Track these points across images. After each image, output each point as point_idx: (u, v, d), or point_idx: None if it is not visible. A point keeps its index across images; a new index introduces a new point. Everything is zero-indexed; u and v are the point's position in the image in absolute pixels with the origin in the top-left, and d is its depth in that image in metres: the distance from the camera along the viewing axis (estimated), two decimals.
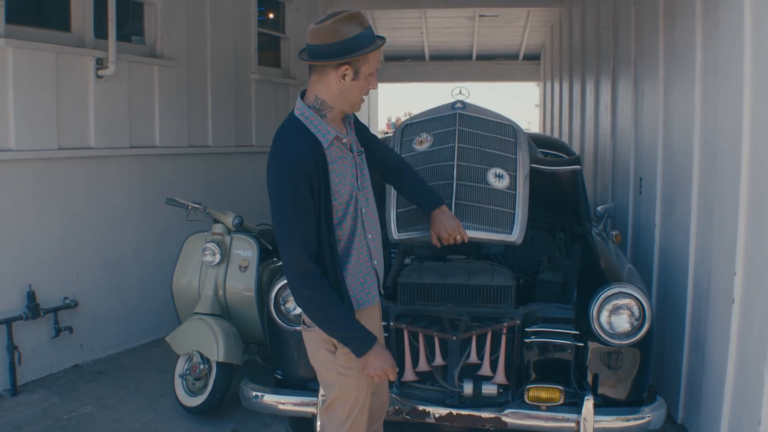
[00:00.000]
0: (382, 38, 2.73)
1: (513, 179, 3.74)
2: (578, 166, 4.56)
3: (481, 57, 16.59)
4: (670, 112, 4.90)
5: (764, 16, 3.34)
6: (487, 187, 3.67)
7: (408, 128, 4.13)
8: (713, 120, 4.01)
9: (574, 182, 4.71)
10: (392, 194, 3.72)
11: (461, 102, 4.08)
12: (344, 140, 2.77)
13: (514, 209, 3.64)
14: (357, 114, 3.03)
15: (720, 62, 3.90)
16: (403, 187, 3.34)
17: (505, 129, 4.02)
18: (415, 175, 3.30)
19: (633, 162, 6.06)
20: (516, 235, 3.60)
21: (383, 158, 3.19)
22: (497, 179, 3.68)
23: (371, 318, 2.92)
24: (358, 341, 2.69)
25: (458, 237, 3.24)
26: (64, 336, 5.46)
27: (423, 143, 3.89)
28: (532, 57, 17.03)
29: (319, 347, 2.82)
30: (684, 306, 4.43)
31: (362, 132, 3.04)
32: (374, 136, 3.20)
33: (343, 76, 2.65)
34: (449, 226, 3.22)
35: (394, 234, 3.63)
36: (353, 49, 2.62)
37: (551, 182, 4.57)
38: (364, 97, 2.81)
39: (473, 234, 3.48)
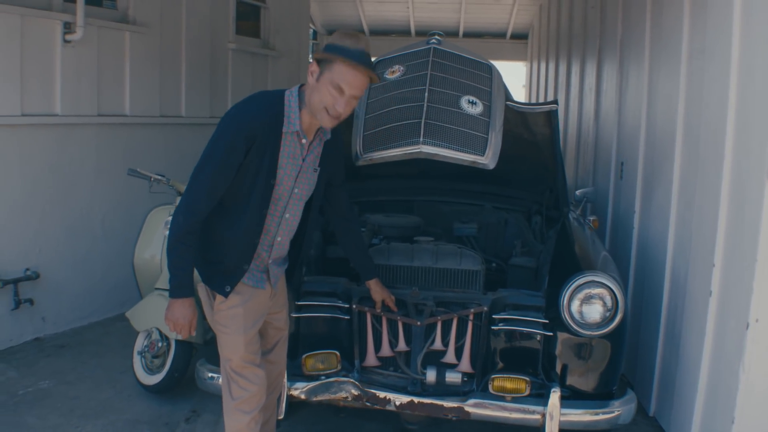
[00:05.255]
0: (366, 65, 2.73)
1: (487, 108, 3.58)
2: (555, 105, 4.23)
3: (468, 34, 16.21)
4: (654, 95, 4.74)
5: None
6: (460, 111, 3.52)
7: (381, 63, 3.96)
8: (698, 104, 3.85)
9: (549, 125, 4.32)
10: (362, 118, 3.63)
11: (437, 38, 3.94)
12: (303, 141, 2.85)
13: (487, 134, 3.48)
14: None
15: (707, 44, 3.73)
16: (345, 243, 3.45)
17: (481, 66, 3.86)
18: (360, 239, 3.49)
19: (615, 145, 5.90)
20: (488, 158, 3.43)
21: (336, 201, 3.26)
22: (470, 105, 3.54)
23: (254, 299, 2.97)
24: (181, 284, 2.81)
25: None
26: (24, 308, 5.27)
27: (394, 73, 3.77)
28: (520, 36, 16.71)
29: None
30: (660, 297, 4.30)
31: (332, 159, 3.06)
32: (341, 173, 3.19)
33: (312, 73, 2.75)
34: (385, 294, 3.45)
35: (360, 153, 3.51)
36: (327, 50, 2.72)
37: (525, 125, 4.32)
38: (330, 115, 2.75)
39: (443, 152, 3.37)
